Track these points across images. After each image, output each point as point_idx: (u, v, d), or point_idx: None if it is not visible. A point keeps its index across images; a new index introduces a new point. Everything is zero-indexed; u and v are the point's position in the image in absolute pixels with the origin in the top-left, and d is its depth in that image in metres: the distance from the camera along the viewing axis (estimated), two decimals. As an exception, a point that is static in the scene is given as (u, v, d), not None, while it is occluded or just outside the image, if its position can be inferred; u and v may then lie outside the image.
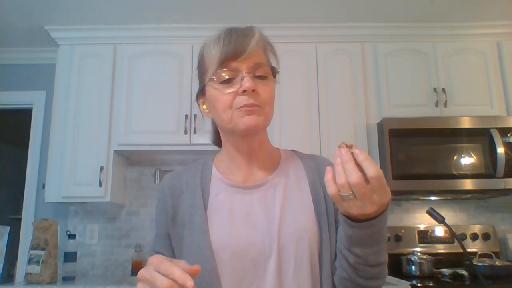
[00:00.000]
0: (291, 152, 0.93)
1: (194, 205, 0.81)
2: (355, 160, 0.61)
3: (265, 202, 0.81)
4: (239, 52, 0.75)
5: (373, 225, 0.65)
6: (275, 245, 0.77)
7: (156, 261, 0.57)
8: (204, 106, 0.86)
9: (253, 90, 0.75)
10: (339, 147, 0.63)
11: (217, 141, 0.92)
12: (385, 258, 0.72)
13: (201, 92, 0.85)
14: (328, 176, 0.63)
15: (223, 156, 0.88)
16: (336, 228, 0.81)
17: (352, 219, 0.66)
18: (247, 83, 0.74)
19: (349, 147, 0.62)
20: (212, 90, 0.79)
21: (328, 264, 0.78)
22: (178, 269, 0.55)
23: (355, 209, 0.63)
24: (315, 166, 0.88)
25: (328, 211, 0.82)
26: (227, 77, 0.76)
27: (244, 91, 0.75)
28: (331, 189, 0.62)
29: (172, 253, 0.84)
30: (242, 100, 0.76)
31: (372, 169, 0.59)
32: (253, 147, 0.84)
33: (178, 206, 0.83)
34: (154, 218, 0.85)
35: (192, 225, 0.80)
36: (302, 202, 0.82)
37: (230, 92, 0.76)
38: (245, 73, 0.76)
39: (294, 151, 0.94)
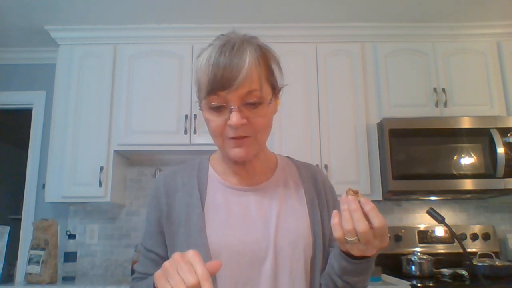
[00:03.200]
0: (287, 158, 0.94)
1: (191, 204, 0.82)
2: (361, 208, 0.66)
3: (262, 206, 0.82)
4: (226, 86, 0.71)
5: (369, 261, 0.73)
6: (272, 248, 0.78)
7: (177, 256, 0.59)
8: None
9: (243, 123, 0.73)
10: (346, 193, 0.68)
11: None
12: (369, 283, 0.80)
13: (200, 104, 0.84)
14: (334, 220, 0.68)
15: (219, 157, 0.88)
16: (330, 241, 0.84)
17: (350, 255, 0.72)
18: (234, 118, 0.72)
19: (355, 192, 0.68)
20: (205, 111, 0.78)
21: (318, 274, 0.81)
22: (200, 266, 0.57)
23: (357, 251, 0.69)
24: (311, 176, 0.90)
25: (323, 220, 0.84)
26: (216, 105, 0.74)
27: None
28: (337, 233, 0.67)
29: (165, 251, 0.84)
30: (231, 132, 0.75)
31: (378, 219, 0.65)
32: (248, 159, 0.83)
33: (173, 205, 0.83)
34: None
35: (189, 224, 0.80)
36: (298, 209, 0.84)
37: (220, 120, 0.75)
38: (233, 107, 0.72)
39: (289, 157, 0.95)
